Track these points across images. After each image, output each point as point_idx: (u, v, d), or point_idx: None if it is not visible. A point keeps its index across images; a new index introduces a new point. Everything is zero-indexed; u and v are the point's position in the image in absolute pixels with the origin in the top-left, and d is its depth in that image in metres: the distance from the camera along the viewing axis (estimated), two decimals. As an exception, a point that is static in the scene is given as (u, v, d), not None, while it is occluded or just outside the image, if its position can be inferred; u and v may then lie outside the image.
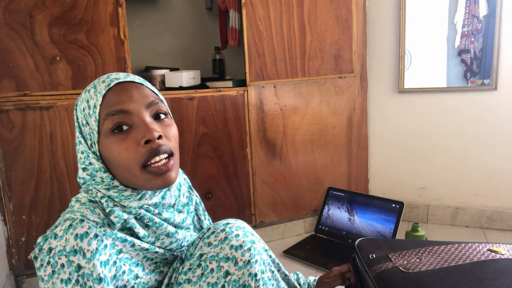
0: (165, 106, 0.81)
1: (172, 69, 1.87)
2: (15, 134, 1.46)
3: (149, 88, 0.80)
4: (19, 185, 1.48)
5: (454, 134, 1.97)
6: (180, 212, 0.89)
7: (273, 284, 0.88)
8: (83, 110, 0.77)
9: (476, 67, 1.88)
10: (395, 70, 2.03)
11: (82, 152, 0.78)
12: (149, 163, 0.74)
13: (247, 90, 1.80)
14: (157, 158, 0.74)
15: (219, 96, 1.76)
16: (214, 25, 2.17)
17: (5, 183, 1.46)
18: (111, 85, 0.75)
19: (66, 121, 1.51)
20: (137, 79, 0.80)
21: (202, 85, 1.83)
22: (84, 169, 0.78)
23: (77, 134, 0.79)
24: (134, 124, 0.74)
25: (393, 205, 1.77)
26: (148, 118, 0.75)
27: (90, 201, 0.77)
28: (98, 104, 0.74)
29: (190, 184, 0.98)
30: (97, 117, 0.74)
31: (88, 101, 0.76)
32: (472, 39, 1.86)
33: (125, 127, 0.74)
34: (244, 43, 1.77)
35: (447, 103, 1.97)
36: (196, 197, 1.00)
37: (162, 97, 0.82)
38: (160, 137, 0.74)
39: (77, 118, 0.79)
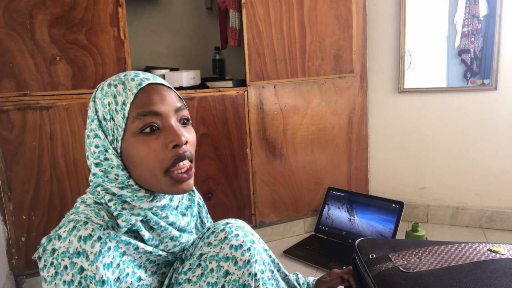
0: (188, 112, 0.81)
1: (172, 69, 1.87)
2: (15, 134, 1.46)
3: (175, 93, 0.80)
4: (19, 185, 1.48)
5: (454, 134, 1.97)
6: (184, 215, 0.89)
7: (272, 284, 0.88)
8: (108, 105, 0.75)
9: (476, 67, 1.88)
10: (395, 70, 2.03)
11: (97, 146, 0.76)
12: (172, 168, 0.75)
13: (247, 90, 1.80)
14: (181, 164, 0.75)
15: (219, 96, 1.76)
16: (214, 25, 2.17)
17: (5, 183, 1.46)
18: (143, 85, 0.75)
19: (66, 121, 1.51)
20: (165, 82, 0.80)
21: (202, 85, 1.83)
22: (97, 165, 0.76)
23: (93, 127, 0.77)
24: (163, 126, 0.74)
25: (393, 205, 1.77)
26: (176, 122, 0.76)
27: (96, 202, 0.76)
28: (129, 102, 0.73)
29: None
30: (126, 115, 0.73)
31: (115, 97, 0.74)
32: (472, 39, 1.86)
33: (154, 129, 0.74)
34: (244, 43, 1.77)
35: (447, 103, 1.97)
36: (199, 200, 1.00)
37: (183, 100, 0.82)
38: (186, 142, 0.76)
39: (96, 111, 0.77)
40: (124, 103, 0.74)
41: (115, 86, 0.75)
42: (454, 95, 1.95)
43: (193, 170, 0.78)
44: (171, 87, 0.80)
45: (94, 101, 0.78)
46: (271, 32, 1.80)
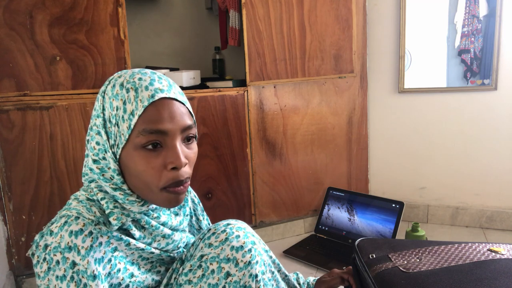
0: (195, 129, 0.79)
1: (172, 69, 1.87)
2: (15, 134, 1.46)
3: (187, 108, 0.78)
4: (19, 185, 1.48)
5: (454, 134, 1.97)
6: (177, 214, 0.89)
7: (273, 285, 0.89)
8: (116, 109, 0.73)
9: (476, 67, 1.88)
10: (395, 70, 2.03)
11: (98, 143, 0.75)
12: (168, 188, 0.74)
13: (247, 90, 1.80)
14: (177, 187, 0.75)
15: (219, 96, 1.76)
16: (214, 25, 2.17)
17: (5, 183, 1.46)
18: (155, 99, 0.72)
19: (66, 121, 1.51)
20: (179, 95, 0.77)
21: (202, 85, 1.83)
22: (95, 161, 0.76)
23: (97, 123, 0.75)
24: (166, 145, 0.73)
25: (393, 205, 1.77)
26: (180, 142, 0.75)
27: (88, 199, 0.76)
28: (137, 114, 0.71)
29: None
30: (132, 127, 0.71)
31: (125, 103, 0.72)
32: (472, 39, 1.86)
33: (157, 145, 0.73)
34: (244, 43, 1.77)
35: (447, 103, 1.97)
36: (193, 197, 1.00)
37: (193, 116, 0.80)
38: (185, 164, 0.75)
39: (103, 109, 0.75)
40: (132, 114, 0.72)
41: (127, 90, 0.73)
42: (454, 95, 1.95)
43: (187, 186, 0.78)
44: (185, 103, 0.77)
45: (103, 97, 0.76)
46: (271, 32, 1.80)
